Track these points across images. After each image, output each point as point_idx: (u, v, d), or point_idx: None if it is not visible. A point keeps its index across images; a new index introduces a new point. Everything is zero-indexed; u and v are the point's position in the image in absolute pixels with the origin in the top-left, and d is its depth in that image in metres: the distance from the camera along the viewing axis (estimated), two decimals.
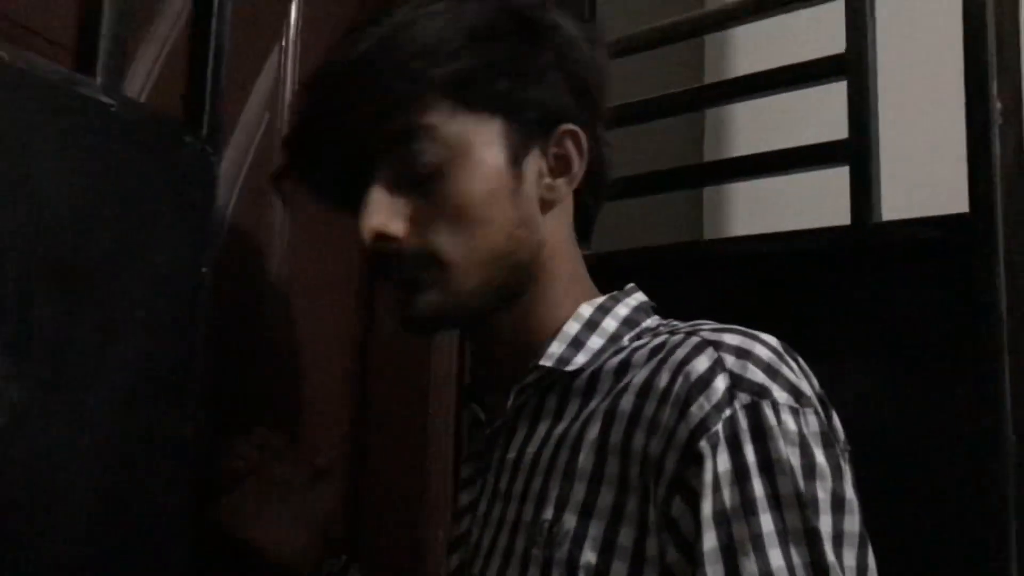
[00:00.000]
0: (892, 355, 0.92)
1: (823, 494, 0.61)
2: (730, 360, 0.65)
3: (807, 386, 0.66)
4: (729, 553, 0.60)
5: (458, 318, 0.79)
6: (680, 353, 0.67)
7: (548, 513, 0.70)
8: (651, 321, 0.78)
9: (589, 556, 0.66)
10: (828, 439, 0.63)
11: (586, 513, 0.68)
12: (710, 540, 0.60)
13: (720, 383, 0.63)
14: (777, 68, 1.05)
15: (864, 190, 0.95)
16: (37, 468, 0.55)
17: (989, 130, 0.88)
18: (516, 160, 0.75)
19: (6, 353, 0.52)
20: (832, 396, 0.68)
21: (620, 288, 0.80)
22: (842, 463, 0.64)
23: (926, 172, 0.98)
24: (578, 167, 0.77)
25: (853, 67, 0.98)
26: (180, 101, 0.69)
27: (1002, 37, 0.89)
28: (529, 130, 0.76)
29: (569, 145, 0.77)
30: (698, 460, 0.62)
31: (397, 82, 0.72)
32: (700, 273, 1.06)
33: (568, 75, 0.77)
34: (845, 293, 0.96)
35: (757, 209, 1.32)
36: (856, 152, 0.97)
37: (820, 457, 0.62)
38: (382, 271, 0.79)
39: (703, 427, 0.62)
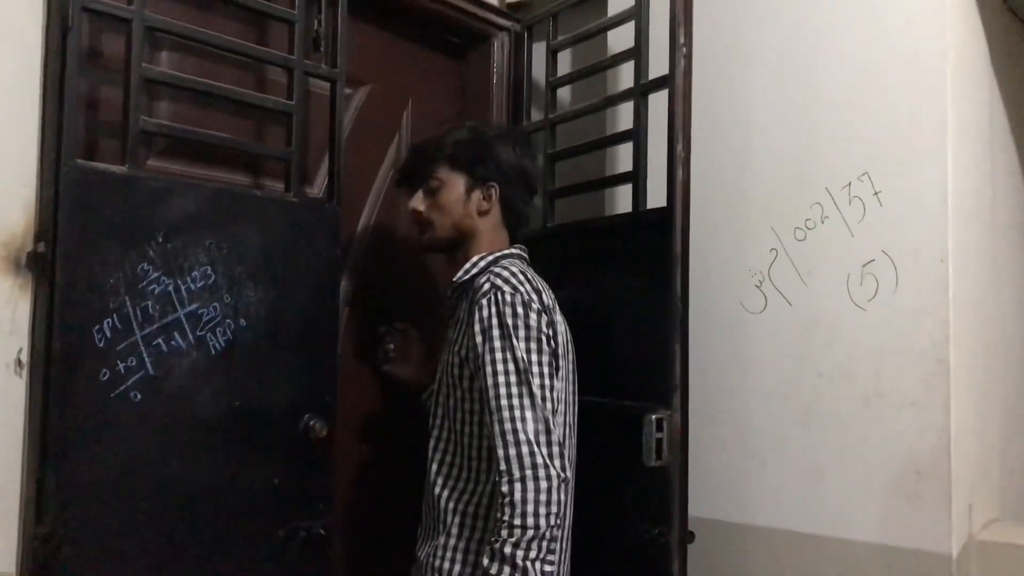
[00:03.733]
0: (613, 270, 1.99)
1: (520, 321, 1.67)
2: (493, 278, 1.73)
3: (528, 295, 1.69)
4: (484, 344, 1.69)
5: (438, 246, 1.92)
6: (488, 280, 1.75)
7: (447, 348, 1.85)
8: (506, 261, 1.85)
9: (452, 359, 1.78)
10: (528, 306, 1.68)
11: (454, 343, 1.80)
12: (480, 343, 1.69)
13: (487, 287, 1.72)
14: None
15: (638, 194, 2.03)
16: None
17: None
18: (467, 193, 1.86)
19: (231, 311, 1.71)
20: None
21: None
22: (532, 314, 1.68)
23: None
24: (490, 203, 1.86)
25: (635, 139, 2.07)
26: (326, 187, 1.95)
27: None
28: (475, 183, 1.86)
29: (491, 193, 1.86)
30: (473, 314, 1.71)
31: (431, 155, 1.88)
32: (575, 236, 2.19)
33: (498, 165, 1.87)
34: (626, 248, 2.05)
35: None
36: (636, 177, 2.05)
37: (519, 309, 1.68)
38: (416, 227, 1.92)
39: (478, 303, 1.72)
